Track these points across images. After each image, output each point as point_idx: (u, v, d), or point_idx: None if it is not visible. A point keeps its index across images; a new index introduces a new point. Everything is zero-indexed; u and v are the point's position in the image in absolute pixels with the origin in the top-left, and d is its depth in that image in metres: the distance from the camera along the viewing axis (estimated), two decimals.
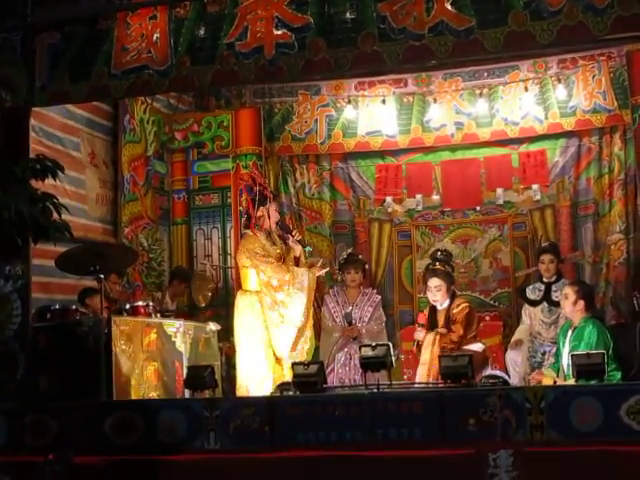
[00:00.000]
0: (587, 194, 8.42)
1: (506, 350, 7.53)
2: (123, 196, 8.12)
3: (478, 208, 8.65)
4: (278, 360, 6.46)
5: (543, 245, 7.78)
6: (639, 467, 4.58)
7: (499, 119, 8.48)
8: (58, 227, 5.47)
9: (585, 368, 5.11)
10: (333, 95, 8.84)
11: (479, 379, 5.63)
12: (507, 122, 8.46)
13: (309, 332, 6.57)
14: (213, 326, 7.32)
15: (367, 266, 7.98)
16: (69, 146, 7.54)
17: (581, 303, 6.39)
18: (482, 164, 8.63)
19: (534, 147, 8.53)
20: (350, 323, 7.30)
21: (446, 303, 6.69)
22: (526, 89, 8.36)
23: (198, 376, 5.73)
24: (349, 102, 8.75)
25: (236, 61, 5.89)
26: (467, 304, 6.71)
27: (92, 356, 5.83)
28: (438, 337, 6.56)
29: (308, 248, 6.91)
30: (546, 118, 8.37)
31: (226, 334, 7.45)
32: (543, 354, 7.23)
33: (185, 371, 6.27)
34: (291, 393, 5.50)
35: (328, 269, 6.90)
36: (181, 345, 6.65)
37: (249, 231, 6.62)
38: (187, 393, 6.00)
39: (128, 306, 6.60)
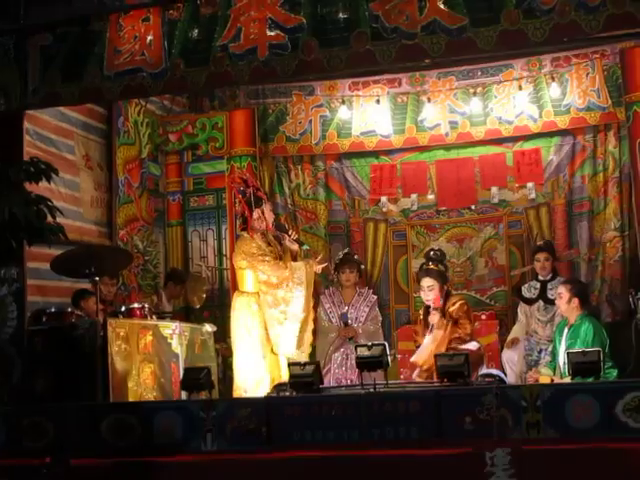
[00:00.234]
0: (582, 192, 8.42)
1: (502, 349, 7.54)
2: (118, 198, 8.10)
3: (473, 207, 8.64)
4: (277, 361, 6.46)
5: (538, 243, 7.81)
6: (635, 464, 4.59)
7: (493, 118, 8.48)
8: (52, 230, 5.47)
9: (581, 366, 5.12)
10: (327, 95, 8.83)
11: (475, 378, 5.65)
12: (501, 121, 8.46)
13: (312, 326, 6.58)
14: (209, 327, 7.32)
15: (363, 266, 7.99)
16: (63, 149, 7.53)
17: (575, 301, 6.41)
18: (477, 163, 8.63)
19: (528, 145, 8.53)
20: (346, 323, 7.31)
21: (440, 302, 6.68)
22: (520, 88, 8.36)
23: (194, 377, 5.72)
24: (343, 102, 8.74)
25: (230, 62, 5.89)
26: (463, 301, 6.72)
27: (88, 358, 5.84)
28: (450, 323, 6.54)
29: (305, 246, 6.93)
30: (540, 116, 8.36)
31: (222, 335, 7.44)
32: (539, 352, 7.25)
33: (181, 373, 6.28)
34: (288, 394, 5.50)
35: (326, 263, 6.89)
36: (177, 347, 6.66)
37: (244, 233, 6.62)
38: (184, 395, 6.01)
39: (124, 308, 6.60)
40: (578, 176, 8.43)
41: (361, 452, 4.97)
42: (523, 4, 5.37)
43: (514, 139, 8.54)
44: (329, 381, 7.07)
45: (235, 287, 6.92)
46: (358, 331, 7.33)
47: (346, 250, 8.06)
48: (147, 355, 6.31)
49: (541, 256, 7.46)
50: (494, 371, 5.94)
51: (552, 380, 6.26)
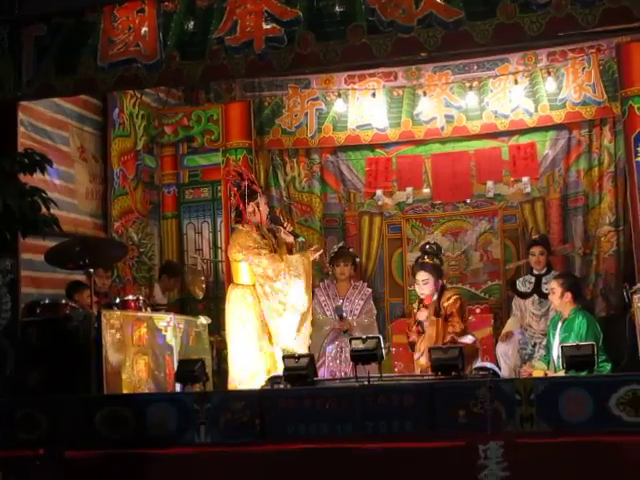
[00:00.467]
0: (577, 186, 8.43)
1: (496, 342, 7.55)
2: (113, 190, 8.09)
3: (468, 201, 8.65)
4: (272, 353, 6.45)
5: (533, 237, 7.82)
6: (629, 458, 4.60)
7: (489, 112, 8.48)
8: (47, 221, 5.45)
9: (575, 359, 5.12)
10: (323, 89, 8.83)
11: (469, 371, 5.65)
12: (497, 115, 8.46)
13: (311, 316, 6.58)
14: (204, 320, 7.32)
15: (358, 259, 7.99)
16: (58, 140, 7.51)
17: (568, 295, 6.43)
18: (472, 157, 8.64)
19: (524, 140, 8.54)
20: (341, 316, 7.31)
21: (434, 296, 6.69)
22: (516, 82, 8.37)
23: (189, 370, 5.71)
24: (339, 96, 8.74)
25: (226, 55, 5.87)
26: (457, 296, 6.71)
27: (82, 350, 5.83)
28: (441, 320, 6.54)
29: (301, 238, 6.93)
30: (536, 111, 8.37)
31: (217, 328, 7.45)
32: (533, 346, 7.27)
33: (176, 365, 6.27)
34: (282, 386, 5.50)
35: (322, 251, 6.89)
36: (172, 339, 6.65)
37: (239, 225, 6.62)
38: (178, 387, 6.01)
39: (118, 300, 6.59)
40: (573, 170, 8.45)
41: (355, 445, 4.97)
42: None
43: (510, 133, 8.55)
44: (323, 374, 7.08)
45: (230, 280, 6.91)
46: (353, 324, 7.32)
47: (341, 243, 8.06)
48: (141, 347, 6.30)
49: (536, 250, 7.47)
50: (488, 364, 5.94)
51: (546, 374, 6.27)
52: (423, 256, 6.86)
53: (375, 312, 7.68)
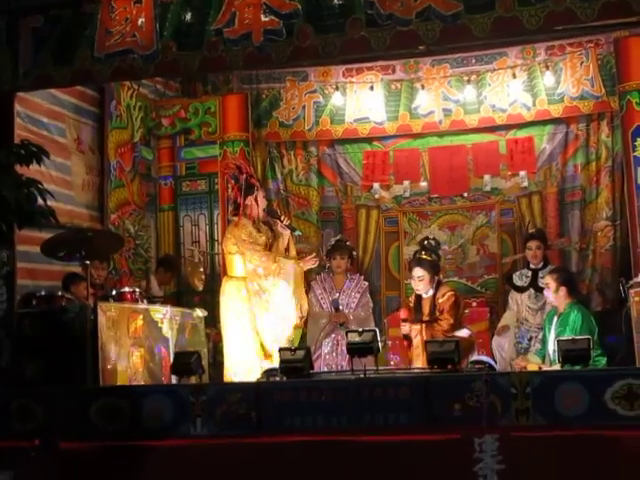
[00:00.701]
0: (574, 181, 8.43)
1: (492, 336, 7.56)
2: (109, 182, 8.08)
3: (465, 194, 8.65)
4: (264, 347, 6.45)
5: (530, 232, 7.82)
6: (623, 452, 4.62)
7: (487, 106, 8.46)
8: (43, 213, 5.43)
9: (571, 353, 5.14)
10: (321, 81, 8.81)
11: (465, 364, 5.66)
12: (495, 109, 8.45)
13: (296, 320, 6.54)
14: (200, 312, 7.31)
15: (355, 253, 7.99)
16: (55, 132, 7.48)
17: (563, 289, 6.44)
18: (470, 151, 8.62)
19: (522, 134, 8.53)
20: (337, 309, 7.31)
21: (430, 292, 6.68)
22: (514, 76, 8.35)
23: (185, 362, 5.73)
24: (337, 89, 8.72)
25: (224, 47, 5.86)
26: (452, 292, 6.71)
27: (78, 342, 5.81)
28: (424, 326, 6.56)
29: (298, 232, 6.92)
30: (534, 105, 8.36)
31: (213, 320, 7.44)
32: (530, 340, 7.28)
33: (172, 357, 6.27)
34: (278, 379, 5.51)
35: (317, 262, 6.86)
36: (168, 331, 6.64)
37: (236, 218, 6.61)
38: (174, 379, 6.00)
39: (115, 292, 6.58)
40: (571, 165, 8.44)
41: (351, 438, 4.98)
42: None
43: (507, 127, 8.54)
44: (319, 367, 7.08)
45: (225, 272, 6.91)
46: (349, 317, 7.33)
47: (338, 237, 8.05)
48: (137, 339, 6.29)
49: (533, 244, 7.48)
50: (484, 358, 5.95)
51: (540, 368, 6.28)
52: (421, 251, 6.85)
53: (371, 305, 7.68)
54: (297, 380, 5.35)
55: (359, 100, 8.71)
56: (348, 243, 7.83)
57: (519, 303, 7.49)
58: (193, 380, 5.70)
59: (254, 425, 5.19)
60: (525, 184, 8.48)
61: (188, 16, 6.01)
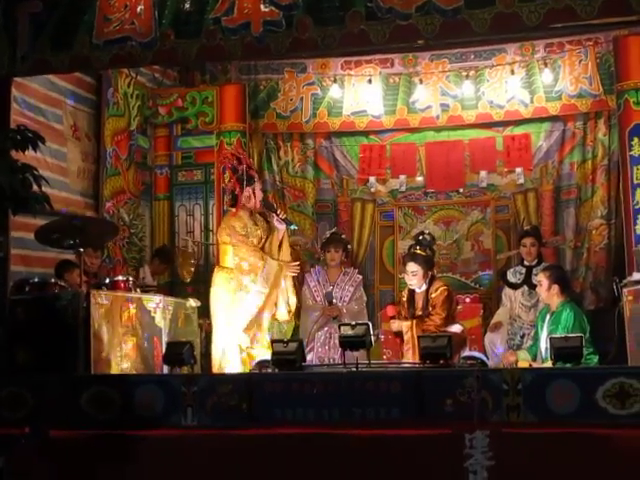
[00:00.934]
0: (570, 179, 8.43)
1: (485, 332, 7.57)
2: (105, 170, 8.05)
3: (461, 190, 8.64)
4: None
5: (525, 228, 7.82)
6: (614, 450, 4.62)
7: (484, 102, 8.46)
8: (38, 199, 5.41)
9: (563, 351, 5.14)
10: (319, 74, 8.79)
11: (457, 360, 5.66)
12: (492, 105, 8.45)
13: (265, 323, 6.52)
14: (193, 302, 7.29)
15: (349, 246, 7.98)
16: (51, 118, 7.45)
17: (555, 287, 6.44)
18: (466, 146, 8.62)
19: (519, 130, 8.53)
20: (330, 302, 7.32)
21: (424, 287, 6.69)
22: (512, 72, 8.35)
23: (177, 352, 5.72)
24: (335, 81, 8.70)
25: (222, 36, 5.82)
26: (445, 287, 6.72)
27: (70, 330, 5.78)
28: (415, 322, 6.56)
29: (293, 226, 6.89)
30: (531, 102, 8.36)
31: (206, 311, 7.41)
32: (522, 337, 7.29)
33: (164, 347, 6.26)
34: (270, 370, 5.50)
35: (298, 271, 6.82)
36: (160, 321, 6.62)
37: (233, 209, 6.60)
38: (165, 369, 5.99)
39: (108, 280, 6.56)
40: (567, 163, 8.45)
41: (341, 431, 4.97)
42: None
43: (504, 124, 8.54)
44: (312, 359, 7.08)
45: (218, 262, 6.90)
46: (342, 310, 7.33)
47: (333, 230, 8.05)
48: (130, 328, 6.27)
49: (527, 241, 7.48)
50: (476, 354, 5.97)
51: (530, 365, 6.29)
52: (416, 246, 6.86)
53: (365, 299, 7.69)
54: (289, 372, 5.34)
55: (357, 93, 8.70)
56: (343, 236, 7.83)
57: (512, 300, 7.49)
58: (185, 370, 5.69)
59: (245, 416, 5.18)
60: (521, 181, 8.48)
61: (187, 4, 5.97)
